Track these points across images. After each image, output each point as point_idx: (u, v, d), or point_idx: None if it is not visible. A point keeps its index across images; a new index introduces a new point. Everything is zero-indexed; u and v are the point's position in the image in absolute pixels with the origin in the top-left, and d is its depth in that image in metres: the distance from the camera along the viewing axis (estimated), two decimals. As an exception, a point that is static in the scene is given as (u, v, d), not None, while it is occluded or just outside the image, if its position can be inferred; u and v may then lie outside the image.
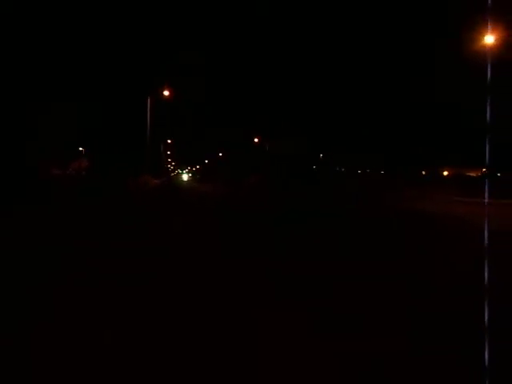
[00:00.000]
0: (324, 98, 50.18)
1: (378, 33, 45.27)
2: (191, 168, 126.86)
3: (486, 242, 6.42)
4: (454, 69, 30.58)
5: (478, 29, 19.35)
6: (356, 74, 46.42)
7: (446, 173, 47.12)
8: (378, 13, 44.54)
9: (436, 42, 34.36)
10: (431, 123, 40.20)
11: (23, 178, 21.85)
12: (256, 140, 61.97)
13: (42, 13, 27.30)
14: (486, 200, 14.20)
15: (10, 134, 26.18)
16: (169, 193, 26.71)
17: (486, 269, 4.63)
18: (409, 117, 42.10)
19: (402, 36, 41.66)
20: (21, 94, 26.74)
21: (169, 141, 70.28)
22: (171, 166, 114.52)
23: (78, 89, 32.36)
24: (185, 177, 79.25)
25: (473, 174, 45.99)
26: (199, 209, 16.38)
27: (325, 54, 51.34)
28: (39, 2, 26.17)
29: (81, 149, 44.05)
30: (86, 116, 33.82)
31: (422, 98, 39.39)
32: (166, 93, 37.94)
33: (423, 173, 48.04)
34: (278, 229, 10.03)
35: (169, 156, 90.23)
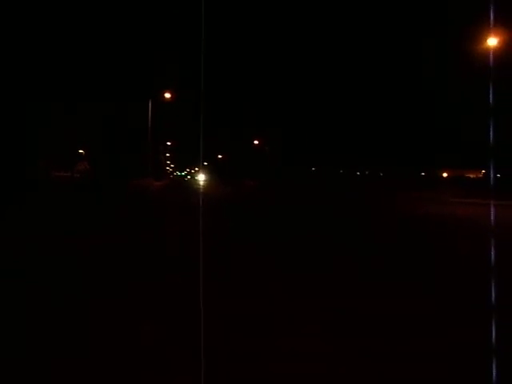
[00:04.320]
0: (321, 101, 50.47)
1: (381, 34, 45.36)
2: (190, 170, 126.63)
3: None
4: (455, 70, 30.73)
5: (480, 30, 19.51)
6: (355, 75, 46.64)
7: (445, 174, 47.40)
8: (376, 15, 44.73)
9: (437, 44, 34.50)
10: (431, 125, 40.39)
11: (24, 182, 21.75)
12: (256, 142, 62.16)
13: (41, 15, 27.18)
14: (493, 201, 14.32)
15: (9, 137, 26.09)
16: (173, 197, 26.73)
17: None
18: (408, 118, 42.31)
19: (405, 36, 41.78)
20: (20, 95, 26.68)
21: (168, 143, 70.22)
22: (169, 168, 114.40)
23: (79, 90, 32.32)
24: (201, 178, 60.38)
25: (472, 176, 46.28)
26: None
27: (327, 54, 51.41)
28: (38, 7, 26.09)
29: (81, 151, 43.98)
30: (86, 118, 33.81)
31: (421, 100, 39.62)
32: (168, 95, 37.98)
33: (422, 174, 48.33)
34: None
35: (167, 158, 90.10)
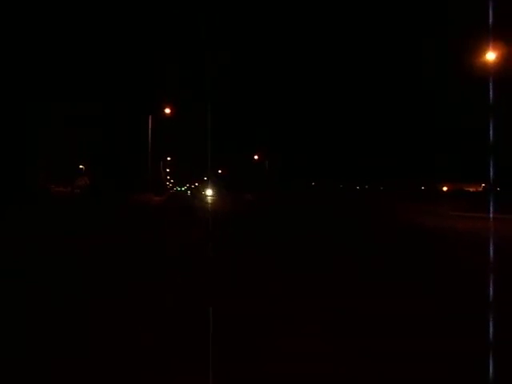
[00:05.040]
0: (320, 114, 50.84)
1: (384, 43, 45.74)
2: (190, 185, 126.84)
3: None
4: (455, 85, 30.88)
5: (481, 45, 19.63)
6: (355, 84, 47.04)
7: (445, 188, 47.56)
8: (376, 17, 45.17)
9: (441, 57, 34.75)
10: (431, 139, 40.63)
11: (24, 182, 21.76)
12: (256, 157, 62.48)
13: (42, 19, 27.48)
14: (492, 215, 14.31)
15: (8, 141, 26.19)
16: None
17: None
18: (409, 131, 42.58)
19: (410, 48, 42.11)
20: (20, 108, 26.87)
21: (168, 158, 70.48)
22: (169, 183, 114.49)
23: (79, 106, 32.60)
24: (208, 193, 55.07)
25: (472, 189, 46.37)
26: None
27: (326, 62, 51.85)
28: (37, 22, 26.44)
29: (81, 166, 44.16)
30: (87, 134, 34.04)
31: (421, 107, 39.91)
32: (168, 110, 38.21)
33: (422, 188, 48.45)
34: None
35: (167, 173, 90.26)
